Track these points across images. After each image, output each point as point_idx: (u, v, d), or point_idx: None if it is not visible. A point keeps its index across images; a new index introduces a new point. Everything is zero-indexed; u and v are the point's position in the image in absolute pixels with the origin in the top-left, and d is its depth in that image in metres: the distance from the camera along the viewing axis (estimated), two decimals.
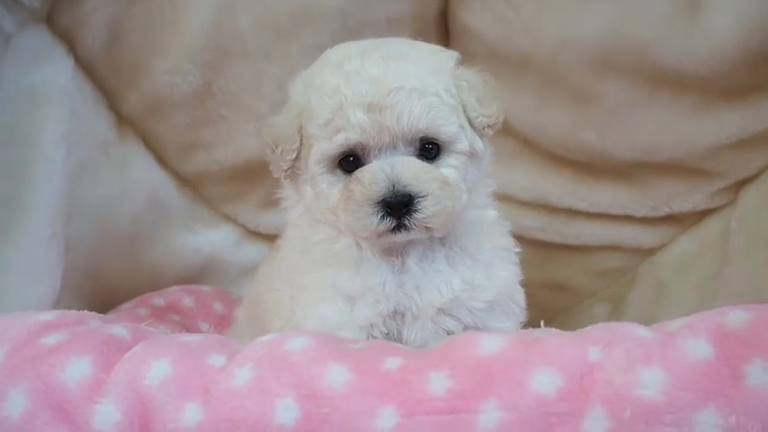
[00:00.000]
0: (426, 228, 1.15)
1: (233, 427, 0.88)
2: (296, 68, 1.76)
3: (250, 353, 0.96)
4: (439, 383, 0.87)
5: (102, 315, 1.13)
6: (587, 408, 0.83)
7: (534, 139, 1.91)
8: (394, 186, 1.12)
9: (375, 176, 1.13)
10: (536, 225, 2.00)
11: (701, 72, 1.65)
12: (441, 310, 1.21)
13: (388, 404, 0.86)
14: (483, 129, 1.22)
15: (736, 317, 0.90)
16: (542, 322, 1.01)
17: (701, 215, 1.91)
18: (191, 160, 1.90)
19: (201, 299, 1.79)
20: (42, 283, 1.50)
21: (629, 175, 1.89)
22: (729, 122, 1.74)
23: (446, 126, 1.17)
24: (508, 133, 1.90)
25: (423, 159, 1.17)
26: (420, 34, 1.85)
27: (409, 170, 1.13)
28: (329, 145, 1.16)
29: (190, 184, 1.96)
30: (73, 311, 1.10)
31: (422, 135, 1.16)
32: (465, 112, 1.21)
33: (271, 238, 2.06)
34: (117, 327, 1.05)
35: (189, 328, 1.66)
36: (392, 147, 1.16)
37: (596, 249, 1.99)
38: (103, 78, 1.77)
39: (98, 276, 1.73)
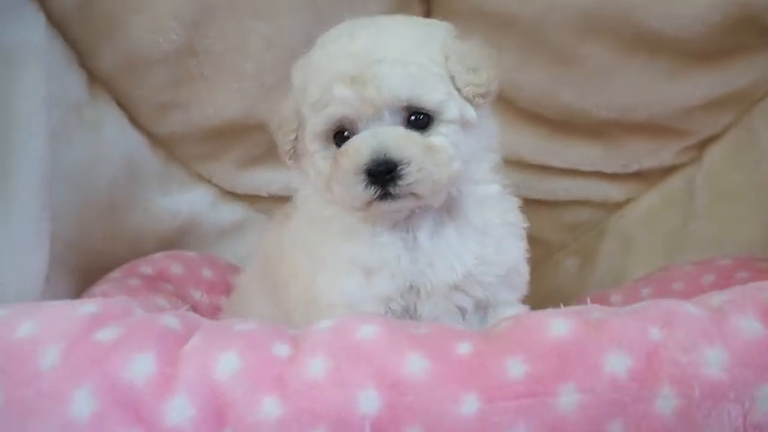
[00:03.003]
0: (414, 195, 1.17)
1: (314, 419, 0.89)
2: (284, 27, 1.73)
3: (317, 341, 0.96)
4: (516, 368, 0.90)
5: (140, 301, 1.09)
6: (657, 387, 0.89)
7: (512, 96, 1.93)
8: (377, 154, 1.13)
9: (358, 146, 1.15)
10: (509, 181, 2.04)
11: (682, 36, 1.71)
12: (455, 287, 1.24)
13: (470, 390, 0.89)
14: (473, 98, 1.22)
15: None
16: (589, 299, 1.05)
17: (666, 171, 2.01)
18: (166, 120, 1.83)
19: (189, 265, 1.75)
20: (36, 257, 1.42)
21: (602, 133, 1.95)
22: (700, 85, 1.82)
23: (430, 94, 1.17)
24: None
25: (412, 129, 1.18)
26: None
27: (391, 138, 1.15)
28: (318, 120, 1.19)
29: (163, 144, 1.89)
30: (112, 299, 1.06)
31: (405, 104, 1.17)
32: (454, 82, 1.21)
33: (247, 198, 2.03)
34: (166, 317, 1.02)
35: (182, 296, 1.63)
36: (378, 118, 1.17)
37: (567, 204, 2.07)
38: (76, 35, 1.65)
39: (79, 245, 1.66)
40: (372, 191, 1.14)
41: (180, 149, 1.91)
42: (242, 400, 0.90)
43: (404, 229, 1.25)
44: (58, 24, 1.62)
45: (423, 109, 1.18)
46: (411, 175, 1.14)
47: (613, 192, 2.04)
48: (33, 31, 1.52)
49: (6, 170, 1.42)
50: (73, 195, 1.65)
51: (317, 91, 1.18)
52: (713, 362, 0.89)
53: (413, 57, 1.16)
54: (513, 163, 2.03)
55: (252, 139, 1.90)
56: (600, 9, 1.71)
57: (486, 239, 1.28)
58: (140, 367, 0.92)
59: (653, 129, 1.90)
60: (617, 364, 0.90)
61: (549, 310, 0.99)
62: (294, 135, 1.26)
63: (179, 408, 0.90)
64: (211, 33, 1.71)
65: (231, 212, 2.02)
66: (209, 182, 1.98)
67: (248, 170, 1.97)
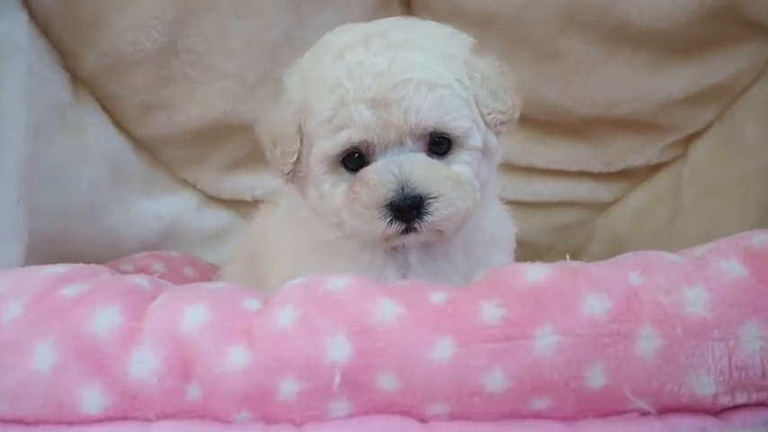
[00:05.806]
0: (438, 230, 1.10)
1: (283, 366, 0.86)
2: (264, 25, 1.74)
3: (287, 295, 0.93)
4: (492, 312, 0.87)
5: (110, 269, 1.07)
6: (638, 328, 0.86)
7: None
8: (403, 189, 1.06)
9: (382, 177, 1.07)
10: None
11: (661, 27, 1.71)
12: None
13: (444, 335, 0.86)
14: (496, 126, 1.15)
15: (759, 239, 0.94)
16: (567, 256, 1.02)
17: (652, 170, 2.00)
18: (149, 122, 1.83)
19: (171, 264, 1.73)
20: (12, 248, 1.40)
21: (586, 132, 1.95)
22: (682, 78, 1.82)
23: (458, 121, 1.09)
24: None
25: (432, 155, 1.10)
26: None
27: (419, 170, 1.07)
28: (331, 144, 1.09)
29: (147, 147, 1.88)
30: (82, 265, 1.04)
31: (431, 130, 1.09)
32: (477, 106, 1.13)
33: (232, 203, 2.02)
34: (136, 277, 1.00)
35: None
36: (399, 143, 1.08)
37: (555, 206, 2.06)
38: (59, 36, 1.66)
39: (58, 242, 1.64)
40: (396, 226, 1.07)
41: (164, 153, 1.91)
42: (208, 352, 0.88)
43: (396, 250, 1.20)
44: (41, 24, 1.62)
45: (447, 134, 1.10)
46: (439, 211, 1.07)
47: (600, 192, 2.03)
48: (17, 26, 1.52)
49: None
50: (54, 194, 1.64)
51: (329, 108, 1.07)
52: (694, 301, 0.87)
53: (441, 77, 1.07)
54: (501, 165, 2.02)
55: (235, 141, 1.89)
56: (579, 2, 1.72)
57: (475, 260, 1.24)
58: (104, 320, 0.90)
59: (636, 125, 1.90)
60: (595, 306, 0.87)
61: (527, 263, 0.96)
62: (296, 156, 1.14)
63: (143, 360, 0.87)
64: (193, 32, 1.71)
65: (216, 218, 2.01)
66: (194, 187, 1.98)
67: (232, 174, 1.97)
